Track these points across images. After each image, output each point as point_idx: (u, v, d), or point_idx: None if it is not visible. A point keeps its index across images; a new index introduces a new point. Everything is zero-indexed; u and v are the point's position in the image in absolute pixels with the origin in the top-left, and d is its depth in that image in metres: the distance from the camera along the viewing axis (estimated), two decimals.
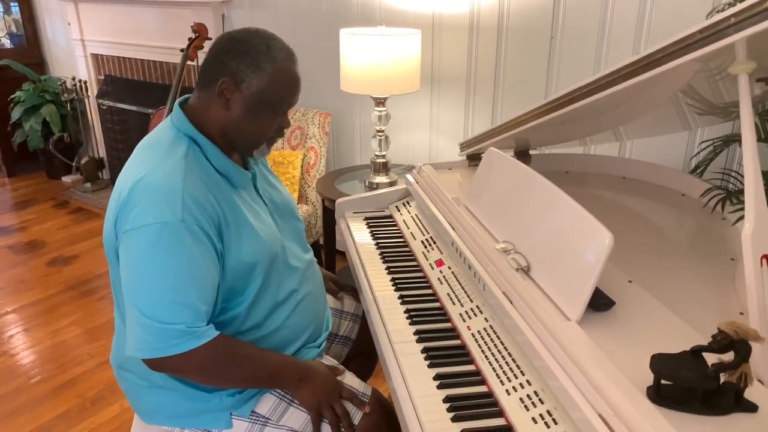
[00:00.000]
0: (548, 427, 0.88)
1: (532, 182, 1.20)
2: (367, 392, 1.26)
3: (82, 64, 4.13)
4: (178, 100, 1.22)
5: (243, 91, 1.13)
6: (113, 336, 1.29)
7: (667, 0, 1.94)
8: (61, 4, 4.07)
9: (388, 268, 1.41)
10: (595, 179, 1.75)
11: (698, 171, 1.61)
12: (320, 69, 2.93)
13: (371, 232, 1.59)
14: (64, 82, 4.19)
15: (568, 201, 1.08)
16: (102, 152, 4.34)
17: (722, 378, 0.81)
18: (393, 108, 2.57)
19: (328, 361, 1.32)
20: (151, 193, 1.06)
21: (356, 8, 2.73)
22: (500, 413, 0.95)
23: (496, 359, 1.05)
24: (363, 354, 1.57)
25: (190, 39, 2.95)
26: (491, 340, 1.10)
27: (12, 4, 4.44)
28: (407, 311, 1.24)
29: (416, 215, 1.61)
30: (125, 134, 4.08)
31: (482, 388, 1.01)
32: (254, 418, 1.20)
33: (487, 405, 0.97)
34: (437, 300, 1.27)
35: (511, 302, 1.06)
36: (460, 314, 1.20)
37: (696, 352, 0.83)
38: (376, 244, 1.52)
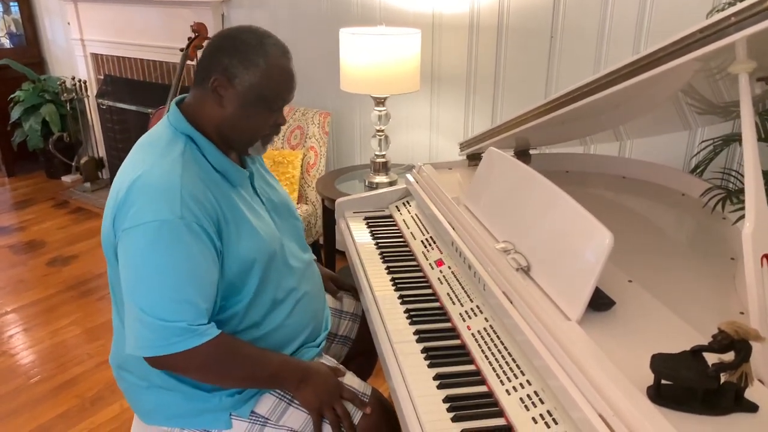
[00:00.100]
0: (548, 427, 0.88)
1: (532, 182, 1.20)
2: (367, 392, 1.26)
3: (82, 64, 4.13)
4: (175, 99, 1.22)
5: (236, 87, 1.13)
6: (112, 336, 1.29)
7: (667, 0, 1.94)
8: (60, 4, 4.07)
9: (388, 267, 1.41)
10: (595, 179, 1.75)
11: (698, 170, 1.61)
12: (320, 69, 2.93)
13: (371, 231, 1.59)
14: (64, 82, 4.18)
15: (568, 201, 1.08)
16: (102, 152, 4.34)
17: (722, 378, 0.81)
18: (393, 108, 2.57)
19: (329, 361, 1.32)
20: (149, 191, 1.06)
21: (356, 8, 2.73)
22: (500, 413, 0.95)
23: (496, 359, 1.05)
24: (363, 354, 1.57)
25: (189, 39, 2.95)
26: (491, 339, 1.09)
27: (11, 3, 4.44)
28: (407, 311, 1.24)
29: (416, 215, 1.60)
30: (125, 134, 4.08)
31: (482, 388, 1.01)
32: (254, 418, 1.20)
33: (487, 405, 0.97)
34: (437, 300, 1.27)
35: (511, 302, 1.06)
36: (460, 314, 1.20)
37: (696, 351, 0.83)
38: (376, 243, 1.52)
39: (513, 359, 1.03)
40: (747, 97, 1.00)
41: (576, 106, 1.23)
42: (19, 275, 3.11)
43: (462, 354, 1.10)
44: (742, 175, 1.02)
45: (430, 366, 1.07)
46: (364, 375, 1.54)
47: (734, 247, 1.29)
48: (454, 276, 1.31)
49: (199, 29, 2.96)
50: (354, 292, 1.60)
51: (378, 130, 2.39)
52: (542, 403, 0.92)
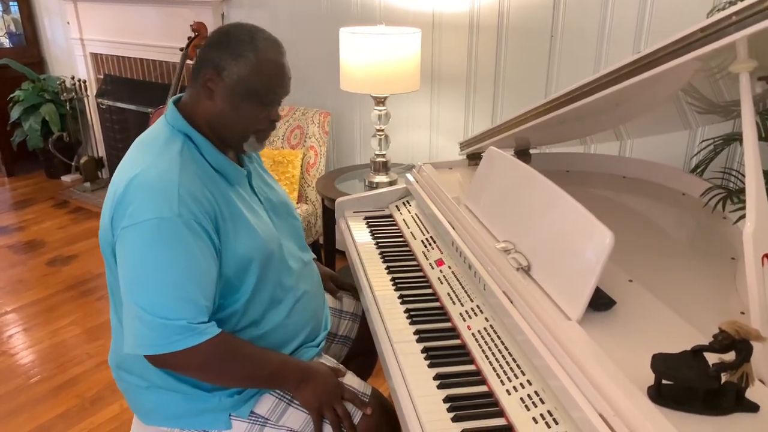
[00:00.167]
0: (549, 426, 0.88)
1: (532, 181, 1.20)
2: (367, 392, 1.26)
3: (82, 64, 4.12)
4: (172, 98, 1.22)
5: (225, 80, 1.13)
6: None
7: None
8: (60, 4, 4.07)
9: (388, 267, 1.41)
10: (596, 178, 1.74)
11: (699, 170, 1.60)
12: (320, 68, 2.93)
13: (371, 231, 1.58)
14: (64, 82, 4.18)
15: (569, 200, 1.08)
16: (101, 151, 4.34)
17: (723, 378, 0.81)
18: (393, 107, 2.57)
19: (329, 362, 1.31)
20: (147, 189, 1.06)
21: (356, 7, 2.73)
22: (501, 413, 0.95)
23: (496, 359, 1.05)
24: (363, 353, 1.57)
25: (189, 38, 2.95)
26: (491, 339, 1.09)
27: (11, 3, 4.44)
28: (407, 311, 1.23)
29: (416, 215, 1.60)
30: (124, 133, 4.08)
31: (482, 388, 1.01)
32: (253, 418, 1.20)
33: (488, 405, 0.97)
34: (437, 299, 1.27)
35: (511, 302, 1.06)
36: (461, 314, 1.19)
37: (697, 351, 0.83)
38: (376, 243, 1.52)
39: (513, 359, 1.03)
40: (748, 96, 1.00)
41: (576, 106, 1.23)
42: (19, 275, 3.11)
43: (462, 354, 1.10)
44: (743, 175, 1.02)
45: (430, 366, 1.07)
46: (364, 375, 1.54)
47: (735, 246, 1.29)
48: (455, 276, 1.31)
49: (198, 29, 2.95)
50: (354, 291, 1.60)
51: (378, 130, 2.39)
52: (543, 402, 0.92)
